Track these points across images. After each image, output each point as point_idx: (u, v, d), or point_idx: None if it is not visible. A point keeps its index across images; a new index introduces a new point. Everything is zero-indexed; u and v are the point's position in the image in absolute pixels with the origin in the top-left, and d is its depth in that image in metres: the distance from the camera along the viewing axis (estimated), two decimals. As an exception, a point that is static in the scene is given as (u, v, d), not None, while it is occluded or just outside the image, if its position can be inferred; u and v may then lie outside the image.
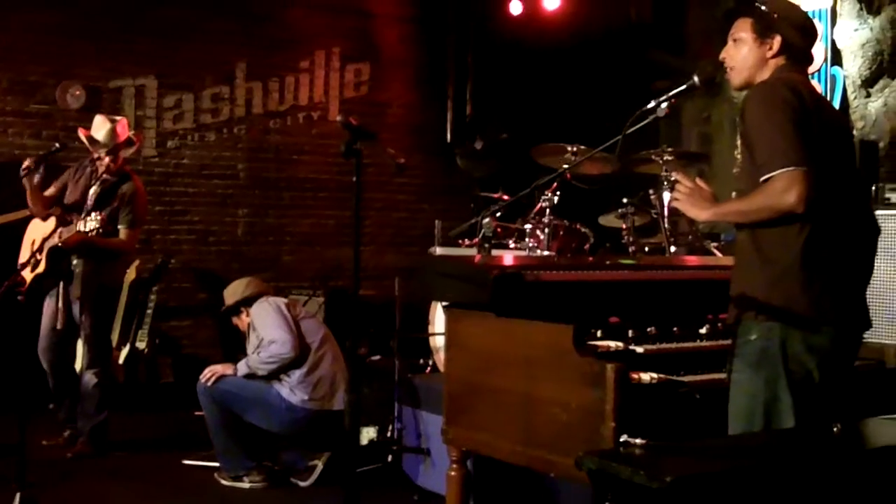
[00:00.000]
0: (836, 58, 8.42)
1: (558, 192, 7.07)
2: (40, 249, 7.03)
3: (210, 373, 6.58)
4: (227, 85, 10.23)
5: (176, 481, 6.72)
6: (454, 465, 4.84)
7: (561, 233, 7.12)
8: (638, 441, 3.18)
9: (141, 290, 8.84)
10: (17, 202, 7.93)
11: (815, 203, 3.74)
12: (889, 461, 3.35)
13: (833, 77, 8.34)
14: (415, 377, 6.73)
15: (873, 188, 6.98)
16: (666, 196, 6.78)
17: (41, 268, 7.15)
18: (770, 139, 3.80)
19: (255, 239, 10.39)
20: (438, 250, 7.69)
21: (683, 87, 4.50)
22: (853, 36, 8.40)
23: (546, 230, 6.98)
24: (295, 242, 10.58)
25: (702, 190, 4.13)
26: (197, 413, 7.01)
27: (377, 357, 7.77)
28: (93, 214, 6.65)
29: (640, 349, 4.34)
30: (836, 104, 7.94)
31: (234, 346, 7.89)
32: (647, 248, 7.39)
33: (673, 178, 4.83)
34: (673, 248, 6.90)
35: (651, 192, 7.18)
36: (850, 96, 8.40)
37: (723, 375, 4.04)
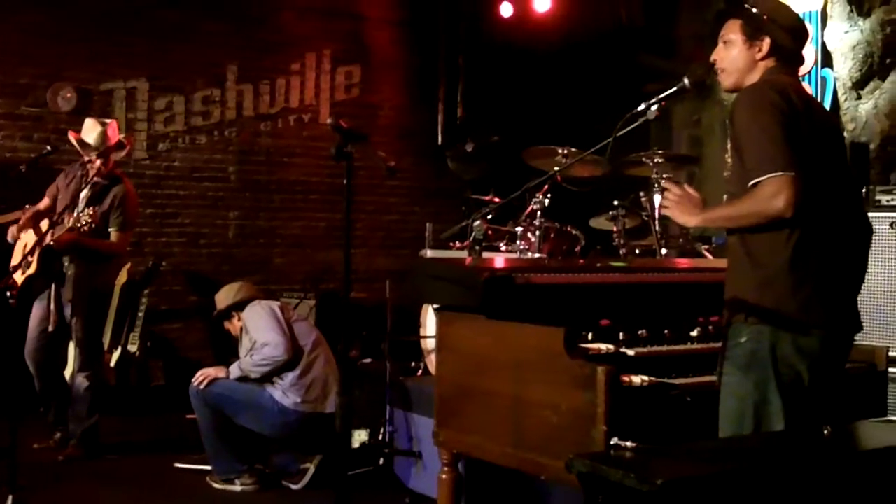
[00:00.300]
0: (826, 60, 8.43)
1: (549, 195, 7.07)
2: (32, 252, 7.03)
3: (202, 376, 6.57)
4: (218, 87, 10.22)
5: (167, 484, 6.71)
6: (445, 468, 4.84)
7: (552, 235, 7.13)
8: (628, 444, 3.19)
9: (132, 292, 8.80)
10: (9, 204, 7.94)
11: (804, 207, 3.75)
12: (879, 464, 3.36)
13: (823, 79, 8.35)
14: (406, 380, 6.74)
15: (863, 190, 6.99)
16: (657, 198, 6.78)
17: (32, 269, 7.14)
18: (758, 143, 3.81)
19: (245, 241, 10.38)
20: (429, 253, 7.69)
21: (673, 89, 4.51)
22: (843, 38, 8.42)
23: (537, 232, 6.99)
24: (286, 245, 10.57)
25: (691, 196, 4.13)
26: (188, 416, 6.99)
27: (368, 360, 7.76)
28: (85, 210, 6.67)
29: (630, 352, 4.35)
30: (827, 106, 7.94)
31: (225, 348, 7.88)
32: (637, 251, 7.40)
33: (662, 186, 4.84)
34: (664, 251, 6.91)
35: (642, 194, 7.20)
36: (841, 98, 8.41)
37: (713, 378, 4.04)
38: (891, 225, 6.55)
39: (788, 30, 4.12)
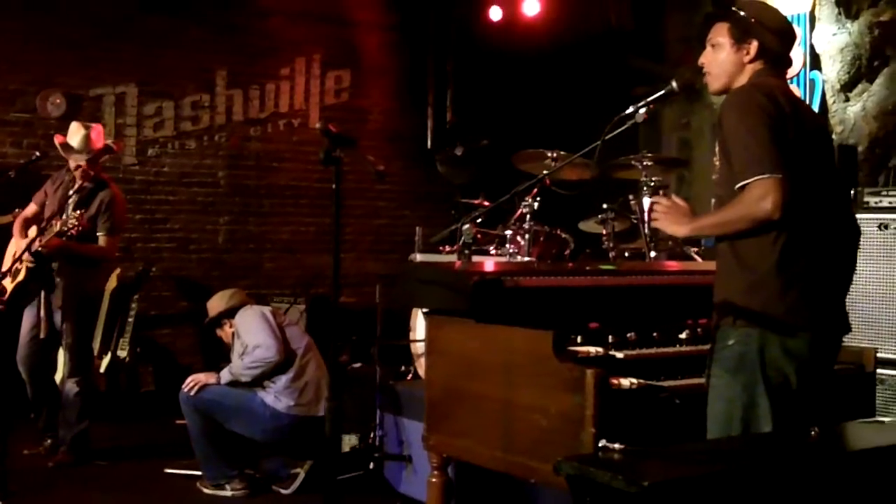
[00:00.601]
0: (814, 62, 8.45)
1: (538, 198, 7.09)
2: (20, 259, 7.01)
3: (193, 382, 6.56)
4: (208, 93, 10.22)
5: (158, 490, 6.70)
6: (435, 472, 4.85)
7: (541, 238, 7.14)
8: (617, 446, 3.19)
9: (122, 298, 8.82)
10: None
11: (792, 209, 3.75)
12: (866, 465, 3.37)
13: (812, 81, 8.37)
14: (396, 384, 6.73)
15: (852, 192, 7.01)
16: (646, 201, 6.79)
17: (21, 276, 7.13)
18: (745, 146, 3.81)
19: (235, 246, 10.37)
20: (419, 257, 7.68)
21: (661, 92, 4.53)
22: (832, 40, 8.44)
23: (526, 236, 7.00)
24: (276, 250, 10.56)
25: (679, 206, 4.13)
26: (179, 421, 6.99)
27: (358, 364, 7.77)
28: (71, 213, 6.68)
29: (619, 355, 4.36)
30: (815, 108, 7.96)
31: (215, 354, 7.88)
32: (627, 254, 7.41)
33: (651, 201, 4.85)
34: (653, 254, 6.92)
35: (631, 197, 7.21)
36: (829, 101, 8.44)
37: (702, 380, 4.04)
38: (879, 227, 6.57)
39: (776, 32, 4.13)
